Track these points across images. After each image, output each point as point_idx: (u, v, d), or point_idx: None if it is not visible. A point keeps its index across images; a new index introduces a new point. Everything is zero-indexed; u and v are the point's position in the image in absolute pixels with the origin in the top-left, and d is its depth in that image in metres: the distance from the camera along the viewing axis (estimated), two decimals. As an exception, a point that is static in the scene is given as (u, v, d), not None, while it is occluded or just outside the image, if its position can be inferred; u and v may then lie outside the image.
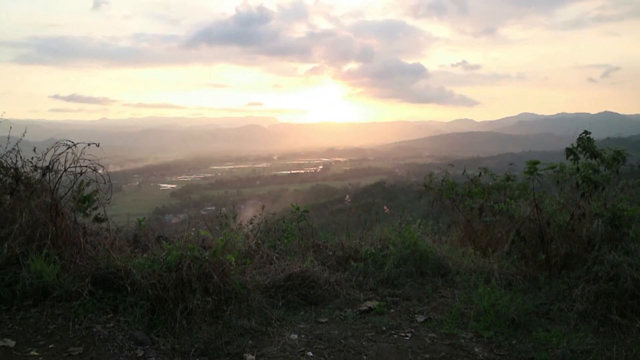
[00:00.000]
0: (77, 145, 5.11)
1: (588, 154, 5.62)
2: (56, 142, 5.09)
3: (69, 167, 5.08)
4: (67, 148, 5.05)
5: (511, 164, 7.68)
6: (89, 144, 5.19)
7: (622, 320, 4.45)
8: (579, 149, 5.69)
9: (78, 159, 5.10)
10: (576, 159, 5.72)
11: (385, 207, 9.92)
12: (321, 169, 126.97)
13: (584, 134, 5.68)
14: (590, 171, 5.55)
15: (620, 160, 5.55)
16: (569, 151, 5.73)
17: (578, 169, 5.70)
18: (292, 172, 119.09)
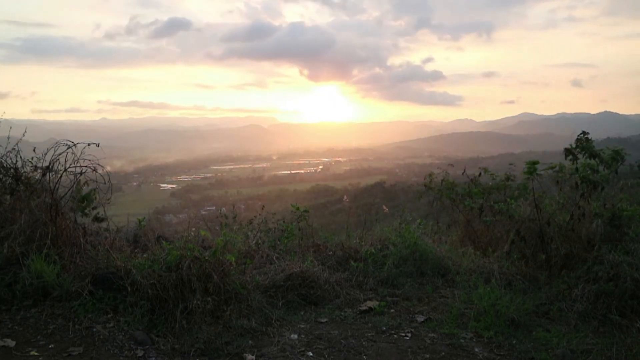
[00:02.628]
0: (77, 145, 5.11)
1: (587, 154, 5.62)
2: (56, 142, 5.09)
3: (69, 167, 5.08)
4: (67, 148, 5.05)
5: (511, 164, 7.68)
6: (89, 144, 5.19)
7: (622, 320, 4.45)
8: (578, 149, 5.69)
9: (78, 159, 5.09)
10: (575, 159, 5.71)
11: (384, 207, 9.91)
12: (321, 169, 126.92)
13: (582, 135, 5.68)
14: (589, 171, 5.55)
15: (619, 160, 5.54)
16: (568, 151, 5.73)
17: (577, 169, 5.70)
18: (292, 172, 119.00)
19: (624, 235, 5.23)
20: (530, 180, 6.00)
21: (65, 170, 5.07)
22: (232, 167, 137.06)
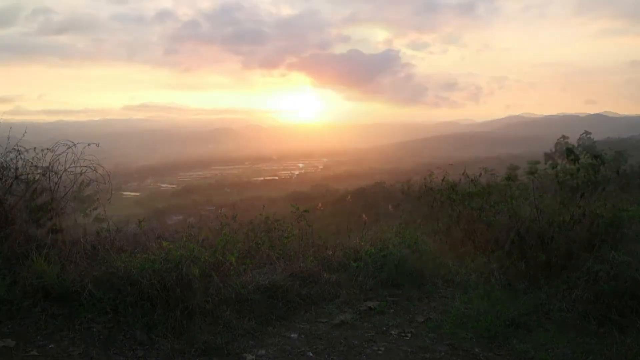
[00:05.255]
0: (77, 145, 5.11)
1: (588, 154, 5.61)
2: (56, 143, 5.08)
3: (69, 167, 5.07)
4: (67, 148, 5.05)
5: (510, 165, 7.67)
6: (88, 144, 5.18)
7: (621, 320, 4.44)
8: (579, 148, 5.68)
9: (78, 159, 5.09)
10: (576, 159, 5.70)
11: (390, 207, 9.92)
12: (298, 174, 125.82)
13: (584, 134, 5.67)
14: (590, 171, 5.54)
15: (622, 161, 5.54)
16: (569, 151, 5.72)
17: (578, 170, 5.69)
18: (266, 178, 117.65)
19: (624, 236, 5.22)
20: (531, 180, 5.98)
21: (65, 170, 5.06)
22: (223, 168, 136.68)
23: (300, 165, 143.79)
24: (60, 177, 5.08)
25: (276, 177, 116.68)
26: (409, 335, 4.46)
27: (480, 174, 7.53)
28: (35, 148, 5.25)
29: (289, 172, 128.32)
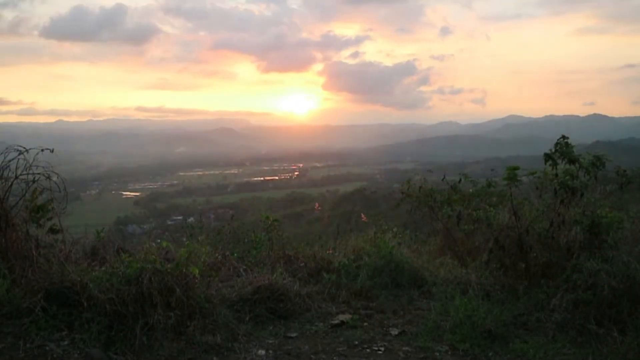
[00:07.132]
0: (30, 150, 5.10)
1: (566, 159, 5.78)
2: (6, 148, 5.07)
3: (21, 175, 5.06)
4: (19, 154, 5.04)
5: (492, 169, 7.86)
6: (42, 150, 5.17)
7: (599, 330, 4.62)
8: (557, 154, 5.85)
9: (30, 165, 5.08)
10: (555, 164, 5.88)
11: (362, 216, 10.03)
12: (297, 175, 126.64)
13: (561, 139, 5.85)
14: (567, 177, 5.73)
15: (599, 165, 5.73)
16: (547, 156, 5.90)
17: (557, 175, 5.87)
18: (266, 178, 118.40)
19: (602, 243, 5.41)
20: (509, 186, 6.14)
21: (17, 177, 5.05)
22: (201, 173, 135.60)
23: (301, 164, 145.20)
24: (11, 184, 5.06)
25: (276, 177, 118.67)
26: (382, 349, 4.58)
27: (460, 180, 7.71)
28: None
29: (289, 172, 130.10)
